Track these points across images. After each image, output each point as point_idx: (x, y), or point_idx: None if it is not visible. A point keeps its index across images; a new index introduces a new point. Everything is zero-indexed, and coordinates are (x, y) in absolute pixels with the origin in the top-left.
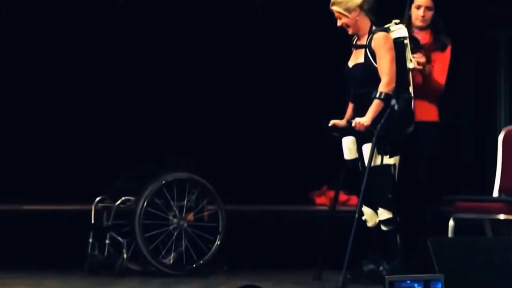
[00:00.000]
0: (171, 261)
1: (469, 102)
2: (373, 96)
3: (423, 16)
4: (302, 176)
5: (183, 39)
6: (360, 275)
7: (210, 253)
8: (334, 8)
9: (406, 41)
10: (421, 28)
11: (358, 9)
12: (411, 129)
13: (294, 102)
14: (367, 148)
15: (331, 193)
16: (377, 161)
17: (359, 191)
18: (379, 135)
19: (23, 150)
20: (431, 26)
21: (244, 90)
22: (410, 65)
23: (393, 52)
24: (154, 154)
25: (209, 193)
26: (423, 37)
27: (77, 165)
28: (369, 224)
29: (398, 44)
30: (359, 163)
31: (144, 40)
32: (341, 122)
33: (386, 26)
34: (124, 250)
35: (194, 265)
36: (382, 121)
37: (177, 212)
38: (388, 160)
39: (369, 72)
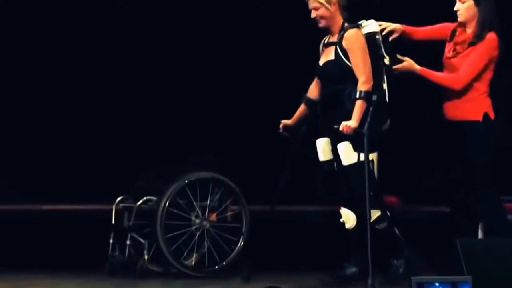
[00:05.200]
0: (193, 262)
1: None
2: (353, 97)
3: (456, 11)
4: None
5: (199, 39)
6: (343, 279)
7: (233, 255)
8: None
9: (378, 36)
10: (461, 25)
11: (336, 3)
12: (386, 126)
13: None
14: (342, 147)
15: None
16: (353, 158)
17: (336, 193)
18: (369, 135)
19: (42, 150)
20: (477, 21)
21: (266, 89)
22: (385, 61)
23: (366, 50)
24: (176, 153)
25: (232, 193)
26: (462, 32)
27: (98, 165)
28: (347, 225)
29: (369, 38)
30: (334, 164)
31: (161, 39)
32: (289, 122)
33: (359, 22)
34: (145, 251)
35: (216, 267)
36: (369, 119)
37: (199, 213)
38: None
39: (339, 69)
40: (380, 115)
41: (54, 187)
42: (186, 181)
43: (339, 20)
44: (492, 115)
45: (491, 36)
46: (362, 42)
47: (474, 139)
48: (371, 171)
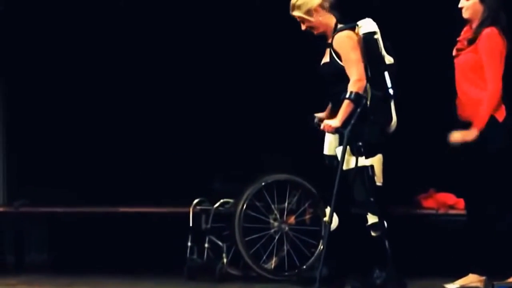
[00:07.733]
0: (273, 266)
1: None
2: (342, 96)
3: (461, 8)
4: (407, 178)
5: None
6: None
7: (312, 258)
8: (295, 13)
9: (376, 36)
10: (467, 22)
11: (319, 9)
12: (391, 128)
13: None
14: (339, 151)
15: (439, 196)
16: (351, 163)
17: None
18: (349, 137)
19: (121, 152)
20: (480, 18)
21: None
22: (386, 61)
23: (358, 51)
24: (253, 154)
25: (310, 195)
26: (467, 30)
27: (175, 167)
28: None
29: (367, 38)
30: (335, 162)
31: (225, 46)
32: (323, 115)
33: (356, 23)
34: (224, 254)
35: (296, 271)
36: (352, 121)
37: (277, 215)
38: (363, 162)
39: (334, 70)
40: (381, 117)
41: (131, 189)
42: (263, 183)
43: (331, 22)
44: (500, 117)
45: (488, 31)
46: (353, 43)
47: (479, 144)
48: (370, 176)
